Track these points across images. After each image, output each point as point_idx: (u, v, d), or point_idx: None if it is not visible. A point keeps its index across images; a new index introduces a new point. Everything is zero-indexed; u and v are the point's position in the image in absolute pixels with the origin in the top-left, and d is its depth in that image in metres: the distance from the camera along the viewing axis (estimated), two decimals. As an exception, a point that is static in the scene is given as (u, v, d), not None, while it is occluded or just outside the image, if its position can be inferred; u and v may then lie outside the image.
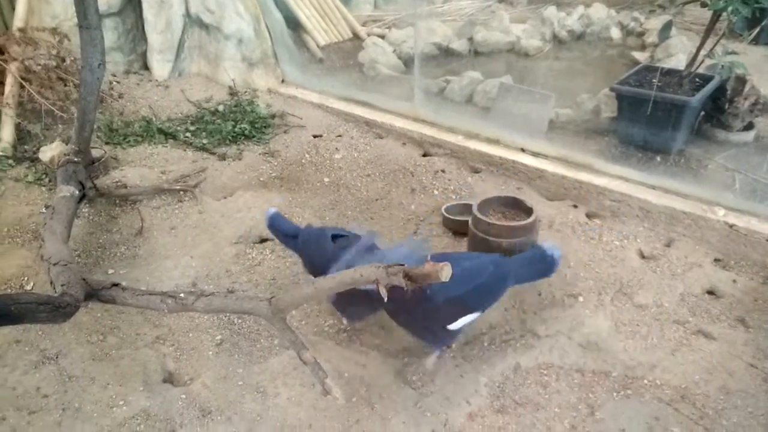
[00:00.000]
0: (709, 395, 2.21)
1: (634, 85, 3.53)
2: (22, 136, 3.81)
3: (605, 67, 4.88)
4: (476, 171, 3.67)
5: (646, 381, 2.28)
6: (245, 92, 4.60)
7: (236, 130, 4.05)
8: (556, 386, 2.27)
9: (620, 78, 3.64)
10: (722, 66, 3.33)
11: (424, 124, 4.01)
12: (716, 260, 2.87)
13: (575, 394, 2.23)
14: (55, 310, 1.80)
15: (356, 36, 5.61)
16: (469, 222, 2.81)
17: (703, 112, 3.62)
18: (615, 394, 2.23)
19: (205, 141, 3.97)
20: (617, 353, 2.39)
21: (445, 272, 1.41)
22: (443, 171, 3.66)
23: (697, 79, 3.53)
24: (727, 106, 3.52)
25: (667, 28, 3.94)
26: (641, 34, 5.26)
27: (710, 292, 2.70)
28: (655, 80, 3.51)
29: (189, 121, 4.20)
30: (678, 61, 4.29)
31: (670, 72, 3.66)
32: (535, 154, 3.54)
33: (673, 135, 3.41)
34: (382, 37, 5.48)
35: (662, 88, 3.45)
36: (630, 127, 3.56)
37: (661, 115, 3.38)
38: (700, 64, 3.51)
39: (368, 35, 5.54)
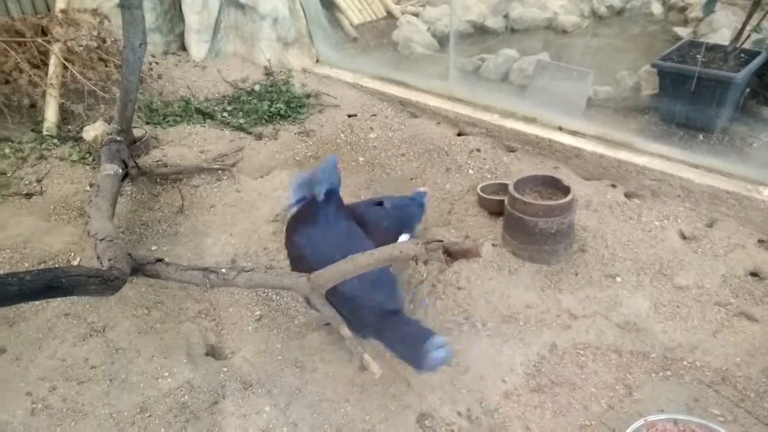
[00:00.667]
0: (750, 377, 2.17)
1: (677, 61, 3.43)
2: (65, 116, 3.91)
3: (646, 43, 4.74)
4: (512, 150, 3.64)
5: (686, 362, 2.25)
6: (280, 72, 4.63)
7: (272, 109, 4.08)
8: (593, 366, 2.26)
9: (662, 54, 3.54)
10: (770, 41, 3.22)
11: (458, 102, 3.98)
12: (760, 241, 2.79)
13: (612, 374, 2.22)
14: (104, 283, 1.86)
15: (390, 15, 5.58)
16: (505, 201, 2.80)
17: (748, 89, 3.51)
18: (654, 375, 2.21)
19: (241, 121, 4.01)
20: (656, 334, 2.37)
21: (486, 248, 1.41)
22: (478, 150, 3.63)
23: (742, 55, 3.41)
24: (774, 83, 3.40)
25: (711, 2, 3.81)
26: (683, 9, 5.10)
27: (753, 274, 2.64)
28: (698, 56, 3.41)
29: (226, 101, 4.25)
30: (722, 36, 4.14)
31: (714, 47, 3.55)
32: (573, 133, 3.48)
33: (717, 112, 3.31)
34: (417, 15, 5.42)
35: (706, 63, 3.35)
36: (672, 105, 3.47)
37: (704, 92, 3.28)
38: (746, 40, 3.39)
39: (402, 14, 5.50)
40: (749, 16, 3.34)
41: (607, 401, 2.12)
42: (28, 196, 3.26)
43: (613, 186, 3.23)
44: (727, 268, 2.65)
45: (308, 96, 4.31)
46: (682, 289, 2.57)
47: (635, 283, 2.61)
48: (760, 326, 2.37)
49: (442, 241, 1.56)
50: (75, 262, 2.80)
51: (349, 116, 4.10)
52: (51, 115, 3.80)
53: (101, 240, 2.27)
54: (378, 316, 2.07)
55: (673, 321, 2.43)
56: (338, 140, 3.83)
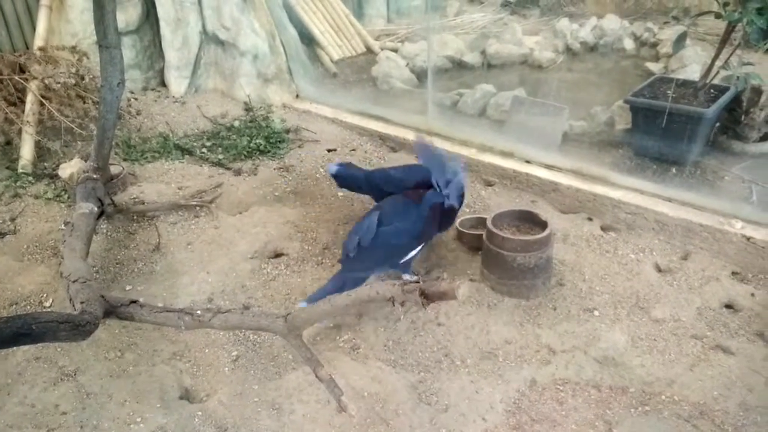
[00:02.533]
0: (728, 411, 2.18)
1: (648, 97, 3.52)
2: (41, 153, 3.88)
3: (619, 78, 4.86)
4: (490, 184, 3.67)
5: (664, 397, 2.25)
6: (260, 108, 4.65)
7: (251, 145, 4.09)
8: (573, 403, 2.25)
9: (634, 90, 3.63)
10: (737, 77, 3.31)
11: (437, 137, 4.02)
12: (734, 273, 2.84)
13: (592, 410, 2.22)
14: (75, 328, 1.82)
15: (369, 50, 5.66)
16: (484, 236, 2.81)
17: (718, 124, 3.60)
18: (633, 410, 2.21)
19: (221, 156, 4.01)
20: (634, 368, 2.37)
21: (462, 290, 1.42)
22: (457, 184, 3.66)
23: (712, 91, 3.51)
24: (742, 117, 3.50)
25: (681, 39, 3.93)
26: (655, 45, 5.25)
27: (728, 306, 2.67)
28: (669, 92, 3.50)
29: (205, 137, 4.25)
30: (692, 71, 4.26)
31: (684, 83, 3.65)
32: (549, 167, 3.53)
33: (689, 147, 3.39)
34: (396, 51, 5.51)
35: (677, 99, 3.43)
36: (644, 139, 3.54)
37: (676, 127, 3.36)
38: (715, 75, 3.49)
39: (381, 49, 5.58)
40: (718, 53, 3.44)
41: (587, 439, 2.11)
42: (1, 235, 3.21)
43: (590, 219, 3.27)
44: (702, 301, 2.68)
45: (288, 131, 4.33)
46: (659, 322, 2.59)
47: (613, 317, 2.63)
48: (735, 359, 2.39)
49: (419, 282, 1.56)
50: (47, 304, 2.75)
51: (329, 151, 4.12)
52: (26, 152, 3.77)
53: (74, 281, 2.24)
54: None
55: (650, 355, 2.43)
56: (318, 175, 3.84)
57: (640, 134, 3.56)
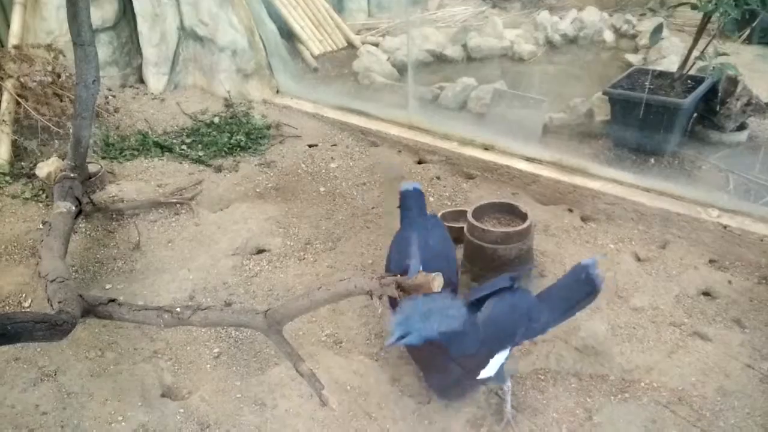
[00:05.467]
0: (706, 397, 2.21)
1: (626, 89, 3.55)
2: (18, 152, 3.83)
3: (598, 70, 4.90)
4: (471, 177, 3.69)
5: (643, 384, 2.28)
6: (240, 103, 4.62)
7: (232, 141, 4.07)
8: (554, 391, 2.27)
9: (612, 81, 3.65)
10: (713, 67, 3.35)
11: (418, 131, 4.03)
12: (711, 261, 2.88)
13: (573, 398, 2.24)
14: (52, 328, 1.81)
15: (350, 44, 5.64)
16: (464, 228, 2.82)
17: (695, 114, 3.64)
18: (612, 397, 2.24)
19: (201, 153, 3.99)
20: (614, 356, 2.40)
21: (438, 281, 1.42)
22: (438, 178, 3.67)
23: (689, 81, 3.55)
24: (719, 107, 3.54)
25: (658, 30, 3.96)
26: (634, 37, 5.29)
27: (706, 293, 2.71)
28: (647, 83, 3.53)
29: (185, 134, 4.22)
30: (671, 62, 4.30)
31: (662, 74, 3.68)
32: (530, 159, 3.55)
33: (666, 137, 3.42)
34: (377, 45, 5.50)
35: (654, 90, 3.46)
36: (623, 130, 3.57)
37: (653, 118, 3.39)
38: (692, 66, 3.53)
39: (362, 44, 5.57)
40: (694, 43, 3.47)
41: (567, 426, 2.13)
42: (-21, 236, 3.17)
43: (570, 210, 3.29)
44: (680, 289, 2.71)
45: (269, 127, 4.31)
46: (638, 310, 2.62)
47: (593, 306, 2.63)
48: (713, 345, 2.43)
49: (396, 275, 1.56)
50: (26, 304, 2.72)
51: (310, 146, 4.11)
52: (3, 152, 3.71)
53: (52, 281, 2.21)
54: None
55: (629, 343, 2.46)
56: (299, 171, 3.83)
57: (619, 125, 3.59)
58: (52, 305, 2.09)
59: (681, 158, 3.49)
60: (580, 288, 2.08)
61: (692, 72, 3.56)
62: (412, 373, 2.35)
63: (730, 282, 2.73)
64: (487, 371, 1.98)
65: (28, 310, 2.67)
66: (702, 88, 3.46)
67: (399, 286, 1.48)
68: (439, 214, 3.18)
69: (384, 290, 1.56)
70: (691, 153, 3.51)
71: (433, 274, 1.43)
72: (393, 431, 2.12)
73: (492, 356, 1.97)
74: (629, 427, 2.11)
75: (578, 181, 3.31)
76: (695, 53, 3.47)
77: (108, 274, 2.93)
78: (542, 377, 2.34)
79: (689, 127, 3.63)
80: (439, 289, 1.46)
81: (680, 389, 2.25)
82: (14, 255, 3.06)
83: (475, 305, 1.94)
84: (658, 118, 3.38)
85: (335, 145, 4.11)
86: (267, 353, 2.47)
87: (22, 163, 3.77)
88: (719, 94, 3.54)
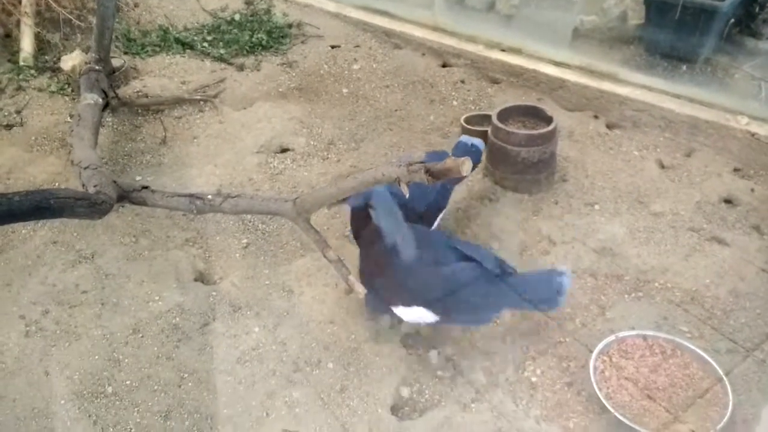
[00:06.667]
0: (718, 297, 2.27)
1: (663, -10, 3.40)
2: (42, 46, 3.80)
3: (634, -28, 4.66)
4: (496, 82, 3.63)
5: (657, 284, 2.34)
6: (261, 1, 4.50)
7: (253, 40, 4.00)
8: (569, 289, 2.34)
9: (649, -19, 3.50)
10: (757, -31, 3.19)
11: (443, 33, 3.93)
12: (735, 169, 2.87)
13: (587, 296, 2.32)
14: (91, 206, 1.88)
15: (374, -59, 5.38)
16: (489, 131, 2.82)
17: (733, 19, 3.50)
18: (626, 296, 2.31)
19: (222, 51, 3.94)
20: (630, 258, 2.45)
21: (467, 165, 1.45)
22: (463, 82, 3.62)
23: (729, -16, 3.38)
24: (758, 12, 3.39)
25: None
26: (674, -63, 4.99)
27: (727, 201, 2.72)
28: (685, -16, 3.38)
29: (206, 31, 4.15)
30: (711, -35, 4.09)
31: (702, -25, 3.51)
32: (557, 64, 3.47)
33: (701, 42, 3.32)
34: (401, -58, 5.25)
35: (692, -8, 3.32)
36: (657, 34, 3.46)
37: (689, 22, 3.27)
38: (734, -32, 3.35)
39: (387, -60, 5.31)
40: (738, -57, 3.29)
41: (581, 320, 2.22)
42: (8, 127, 3.22)
43: (596, 117, 3.26)
44: (702, 196, 2.73)
45: (290, 26, 4.22)
46: (657, 215, 2.65)
47: (613, 211, 2.68)
48: (730, 250, 2.47)
49: (423, 162, 1.59)
50: (59, 192, 2.80)
51: (333, 47, 4.04)
52: (27, 45, 3.69)
53: (85, 168, 2.28)
54: None
55: (647, 246, 2.51)
56: (321, 71, 3.79)
57: (653, 29, 3.47)
58: (87, 190, 2.16)
59: (714, 65, 3.39)
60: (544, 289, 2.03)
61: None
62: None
63: (752, 190, 2.74)
64: (403, 312, 1.98)
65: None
66: (742, -9, 3.31)
67: (428, 171, 1.51)
68: (463, 118, 3.18)
69: (412, 177, 1.59)
70: (725, 60, 3.41)
71: (463, 158, 1.45)
72: (414, 318, 2.22)
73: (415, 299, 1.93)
74: (641, 323, 2.18)
75: (606, 86, 3.25)
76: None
77: (137, 167, 2.99)
78: (559, 276, 2.41)
79: (725, 32, 3.49)
80: (468, 174, 1.49)
81: (693, 290, 2.31)
82: (44, 146, 3.12)
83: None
84: (694, 21, 3.26)
85: (358, 46, 4.03)
86: (293, 245, 2.55)
87: (46, 57, 3.75)
88: (760, -1, 3.39)
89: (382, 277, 1.98)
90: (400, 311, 1.98)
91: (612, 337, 2.04)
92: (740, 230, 2.56)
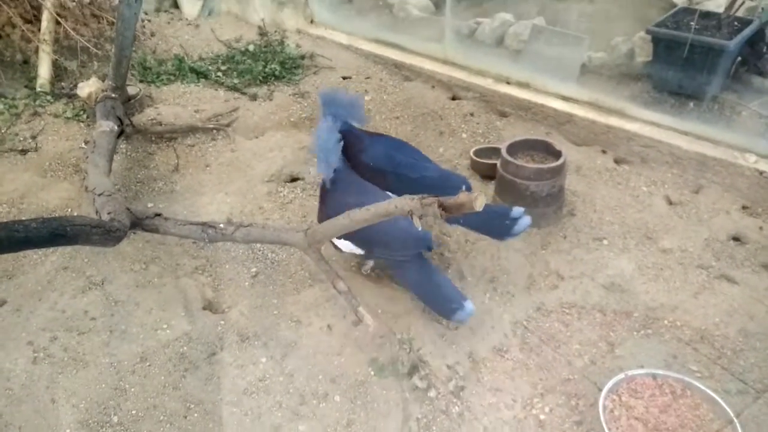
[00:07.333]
0: (728, 337, 2.26)
1: (670, 28, 3.45)
2: (58, 72, 3.89)
3: (641, 9, 4.72)
4: (504, 115, 3.67)
5: (666, 322, 2.33)
6: (275, 32, 4.59)
7: (267, 70, 4.07)
8: (578, 325, 2.34)
9: (657, 20, 3.55)
10: (762, 9, 3.24)
11: (453, 66, 3.98)
12: (744, 207, 2.87)
13: (596, 332, 2.31)
14: (106, 233, 1.90)
15: (386, -25, 5.50)
16: (498, 164, 2.84)
17: (740, 58, 3.54)
18: (635, 333, 2.30)
19: (236, 81, 4.01)
20: (639, 295, 2.45)
21: (480, 200, 1.47)
22: (472, 114, 3.66)
23: (735, 23, 3.43)
24: (765, 51, 3.43)
25: (708, -31, 3.84)
26: (681, -24, 5.07)
27: (736, 239, 2.72)
28: (692, 23, 3.43)
29: (220, 61, 4.23)
30: (717, 4, 4.14)
31: (708, 15, 3.56)
32: (565, 99, 3.51)
33: (709, 80, 3.35)
34: (413, -24, 5.35)
35: (699, 31, 3.36)
36: (664, 72, 3.50)
37: (696, 60, 3.31)
38: (739, 7, 3.41)
39: (398, -25, 5.42)
40: (744, -16, 3.35)
41: (590, 357, 2.21)
42: (23, 152, 3.27)
43: (604, 152, 3.28)
44: (710, 233, 2.73)
45: (303, 57, 4.29)
46: (666, 252, 2.65)
47: (621, 246, 2.69)
48: (739, 288, 2.46)
49: (437, 196, 1.61)
50: (72, 218, 2.83)
51: (344, 78, 4.10)
52: (44, 71, 3.77)
53: (99, 195, 2.30)
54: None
55: (656, 282, 2.51)
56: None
57: (661, 66, 3.51)
58: (101, 217, 2.19)
59: (722, 102, 3.42)
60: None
61: (739, 14, 3.44)
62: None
63: (761, 228, 2.74)
64: (338, 243, 2.32)
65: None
66: (748, 31, 3.35)
67: (441, 206, 1.53)
68: (472, 150, 3.21)
69: (425, 210, 1.60)
70: (733, 98, 3.44)
71: (476, 193, 1.47)
72: (422, 351, 2.22)
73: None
74: (650, 361, 2.17)
75: (614, 122, 3.28)
76: (744, -6, 3.35)
77: (149, 194, 3.02)
78: (567, 311, 2.40)
79: (732, 70, 3.54)
80: (481, 208, 1.50)
81: (703, 328, 2.30)
82: (58, 172, 3.16)
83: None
84: (701, 59, 3.30)
85: (369, 78, 4.10)
86: (302, 275, 2.56)
87: (63, 83, 3.83)
88: (766, 38, 3.43)
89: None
90: (336, 242, 2.31)
91: (621, 376, 2.03)
92: (749, 269, 2.56)
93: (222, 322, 2.33)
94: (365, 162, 2.48)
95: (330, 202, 2.31)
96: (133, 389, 2.08)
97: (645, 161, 3.17)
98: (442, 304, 2.26)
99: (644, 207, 2.89)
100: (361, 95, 2.52)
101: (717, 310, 2.37)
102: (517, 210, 2.38)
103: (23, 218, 2.79)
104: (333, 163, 2.27)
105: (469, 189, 2.32)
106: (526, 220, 2.37)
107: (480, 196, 1.46)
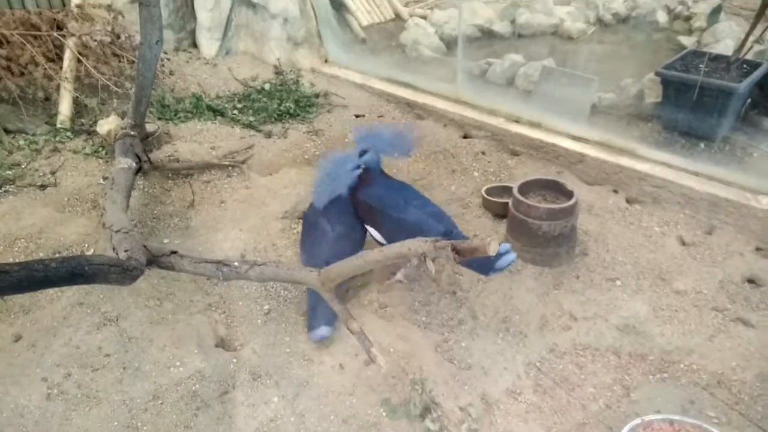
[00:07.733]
0: (745, 381, 2.23)
1: (680, 70, 3.50)
2: (79, 109, 3.98)
3: (650, 51, 4.81)
4: (516, 154, 3.70)
5: (682, 365, 2.31)
6: (290, 71, 4.69)
7: (281, 108, 4.15)
8: (592, 367, 2.32)
9: (666, 62, 3.60)
10: (772, 53, 3.29)
11: (465, 106, 4.04)
12: (758, 249, 2.86)
13: (611, 375, 2.28)
14: (123, 272, 1.93)
15: (398, 17, 5.65)
16: (510, 204, 2.86)
17: (749, 100, 3.57)
18: (651, 376, 2.27)
19: (251, 118, 4.08)
20: (654, 337, 2.43)
21: (493, 246, 1.48)
22: (483, 153, 3.70)
23: (744, 66, 3.48)
24: (774, 94, 3.47)
25: (716, 12, 3.88)
26: (688, 18, 5.16)
27: (750, 281, 2.71)
28: (701, 65, 3.48)
29: (236, 99, 4.32)
30: (726, 46, 4.21)
31: (717, 57, 3.61)
32: (576, 139, 3.54)
33: (719, 122, 3.38)
34: (425, 18, 5.49)
35: (709, 73, 3.41)
36: (674, 113, 3.53)
37: (706, 101, 3.35)
38: (748, 50, 3.46)
39: (410, 16, 5.57)
40: (752, 27, 3.40)
41: (605, 401, 2.18)
42: (43, 187, 3.33)
43: (615, 192, 3.30)
44: (724, 275, 2.72)
45: (317, 96, 4.37)
46: (681, 293, 2.63)
47: (635, 287, 2.68)
48: (755, 332, 2.44)
49: (450, 239, 1.62)
50: (89, 253, 2.86)
51: (357, 116, 4.17)
52: (65, 108, 3.87)
53: (117, 231, 2.34)
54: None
55: (670, 325, 2.49)
56: (346, 140, 3.90)
57: (670, 108, 3.55)
58: (117, 254, 2.21)
59: (732, 144, 3.44)
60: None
61: (749, 57, 3.49)
62: (455, 339, 2.43)
63: (776, 270, 2.72)
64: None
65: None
66: (758, 73, 3.39)
67: (454, 249, 1.54)
68: (484, 189, 3.23)
69: (438, 253, 1.62)
70: (743, 139, 3.46)
71: (490, 238, 1.48)
72: (435, 392, 2.20)
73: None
74: (667, 406, 2.14)
75: (625, 162, 3.30)
76: (752, 37, 3.40)
77: (165, 230, 3.06)
78: (581, 353, 2.39)
79: (743, 112, 3.57)
80: (495, 253, 1.51)
81: (720, 373, 2.27)
82: (76, 207, 3.21)
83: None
84: (711, 101, 3.34)
85: (382, 116, 4.16)
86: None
87: (83, 120, 3.92)
88: (776, 81, 3.47)
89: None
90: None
91: (638, 421, 2.00)
92: (765, 311, 2.53)
93: (234, 360, 2.33)
94: (361, 198, 2.61)
95: (309, 228, 2.69)
96: (145, 427, 2.08)
97: (657, 201, 3.18)
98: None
99: (657, 247, 2.89)
100: (410, 125, 2.64)
101: (733, 354, 2.34)
102: (503, 246, 2.38)
103: (41, 253, 2.84)
104: (338, 191, 2.56)
105: (449, 237, 2.40)
106: (511, 256, 2.36)
107: (493, 242, 1.48)
